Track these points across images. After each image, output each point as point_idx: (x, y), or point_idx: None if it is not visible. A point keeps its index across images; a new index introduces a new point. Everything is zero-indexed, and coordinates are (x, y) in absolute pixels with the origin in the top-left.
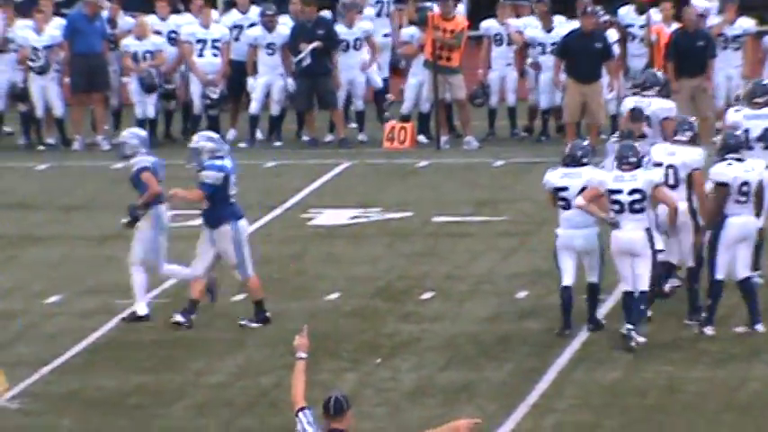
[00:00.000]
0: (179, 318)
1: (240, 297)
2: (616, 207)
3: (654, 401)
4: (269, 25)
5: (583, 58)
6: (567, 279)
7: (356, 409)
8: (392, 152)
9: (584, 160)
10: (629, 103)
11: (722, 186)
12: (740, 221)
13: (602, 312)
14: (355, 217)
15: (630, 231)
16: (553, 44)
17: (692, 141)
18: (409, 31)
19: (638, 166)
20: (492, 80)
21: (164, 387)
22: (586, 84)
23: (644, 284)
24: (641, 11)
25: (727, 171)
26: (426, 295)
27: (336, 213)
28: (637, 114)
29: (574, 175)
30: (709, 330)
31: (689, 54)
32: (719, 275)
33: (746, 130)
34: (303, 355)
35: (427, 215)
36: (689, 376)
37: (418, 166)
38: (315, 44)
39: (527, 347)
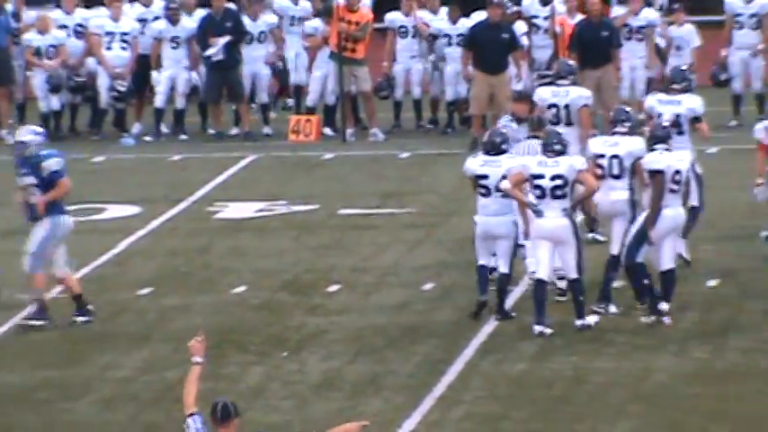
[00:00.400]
0: (80, 318)
1: (145, 291)
2: (538, 192)
3: (560, 392)
4: (173, 18)
5: (490, 49)
6: (484, 259)
7: (263, 402)
8: (297, 145)
9: (504, 147)
10: (545, 92)
11: (658, 174)
12: (672, 213)
13: (509, 303)
14: (261, 210)
15: (554, 219)
16: (459, 36)
17: (632, 131)
18: (313, 24)
19: (561, 153)
20: (397, 72)
21: (70, 382)
22: (494, 75)
23: (573, 272)
24: (545, 2)
25: (660, 159)
26: (333, 288)
27: (242, 206)
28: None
29: (494, 163)
30: (667, 319)
31: (593, 45)
32: (640, 259)
33: (659, 115)
34: (199, 359)
35: (333, 208)
36: (594, 367)
37: (324, 159)
38: (226, 38)
39: (434, 339)
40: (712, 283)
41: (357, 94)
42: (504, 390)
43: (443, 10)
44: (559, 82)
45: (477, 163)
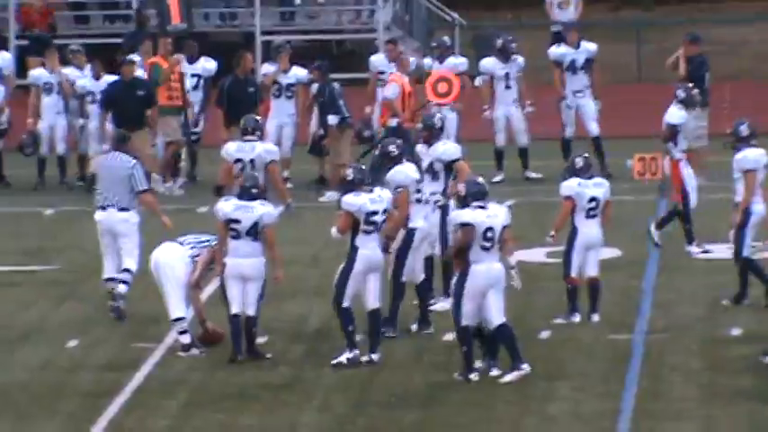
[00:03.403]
0: None
1: None
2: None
3: None
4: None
5: (126, 105)
6: (235, 307)
7: None
8: None
9: (255, 192)
10: (231, 147)
11: (467, 227)
12: (485, 268)
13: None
14: None
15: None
16: (102, 92)
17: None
18: None
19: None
20: (42, 129)
21: None
22: (130, 130)
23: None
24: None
25: (473, 215)
26: None
27: None
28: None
29: (247, 209)
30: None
31: (241, 101)
32: (465, 322)
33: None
34: None
35: None
36: (240, 423)
37: None
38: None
39: (78, 397)
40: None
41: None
42: None
43: (89, 66)
44: (246, 138)
45: (229, 207)
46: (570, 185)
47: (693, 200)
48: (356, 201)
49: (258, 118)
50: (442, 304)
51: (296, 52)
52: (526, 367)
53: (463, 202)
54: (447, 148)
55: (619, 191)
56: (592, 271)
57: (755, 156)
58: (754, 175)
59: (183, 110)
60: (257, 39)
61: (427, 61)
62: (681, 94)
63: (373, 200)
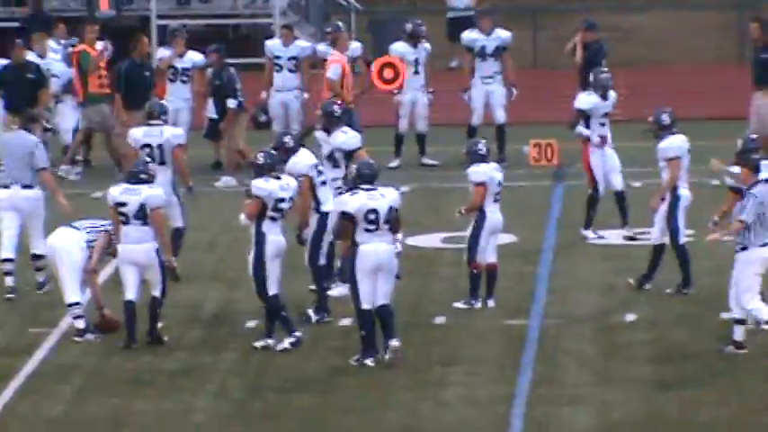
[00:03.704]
0: None
1: None
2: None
3: None
4: None
5: (16, 89)
6: (131, 293)
7: None
8: None
9: (143, 177)
10: (138, 133)
11: (344, 215)
12: (372, 249)
13: None
14: None
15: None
16: None
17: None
18: None
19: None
20: None
21: None
22: (21, 113)
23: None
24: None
25: (353, 200)
26: None
27: None
28: None
29: (133, 192)
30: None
31: (137, 85)
32: (365, 306)
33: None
34: None
35: None
36: (133, 409)
37: None
38: None
39: None
40: (252, 324)
41: None
42: None
43: None
44: (152, 122)
45: (117, 191)
46: (482, 171)
47: (601, 189)
48: (266, 186)
49: (163, 102)
50: (339, 289)
51: (192, 37)
52: (395, 342)
53: (353, 184)
54: (347, 138)
55: (515, 177)
56: (491, 257)
57: (678, 143)
58: (678, 162)
59: (112, 97)
60: (153, 23)
61: (321, 48)
62: (590, 78)
63: (282, 186)
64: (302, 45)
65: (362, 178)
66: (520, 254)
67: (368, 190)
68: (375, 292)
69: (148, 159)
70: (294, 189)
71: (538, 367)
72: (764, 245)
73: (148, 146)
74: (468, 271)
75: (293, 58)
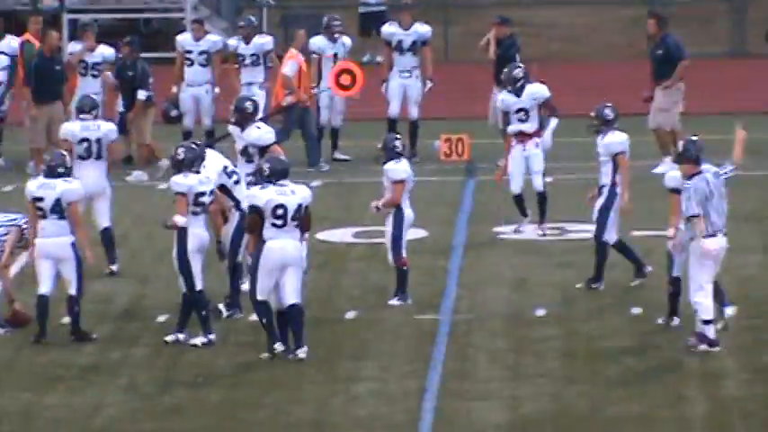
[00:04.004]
0: None
1: None
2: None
3: (9, 429)
4: None
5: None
6: (45, 287)
7: None
8: None
9: (60, 171)
10: (75, 127)
11: (252, 209)
12: (278, 245)
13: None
14: None
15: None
16: None
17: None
18: None
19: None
20: None
21: None
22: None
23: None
24: None
25: (261, 194)
26: None
27: None
28: None
29: (49, 186)
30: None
31: (47, 79)
32: (261, 297)
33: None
34: None
35: None
36: (44, 403)
37: None
38: None
39: None
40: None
41: None
42: None
43: None
44: (83, 116)
45: (34, 185)
46: (402, 168)
47: (514, 186)
48: (185, 182)
49: (94, 96)
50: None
51: (103, 31)
52: (302, 353)
53: (265, 180)
54: (262, 133)
55: (425, 172)
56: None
57: (621, 138)
58: (624, 156)
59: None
60: (63, 17)
61: (233, 42)
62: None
63: (201, 180)
64: (213, 39)
65: (273, 174)
66: (431, 249)
67: (278, 185)
68: (282, 289)
69: (85, 154)
70: (215, 183)
71: (448, 362)
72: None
73: (86, 140)
74: (396, 269)
75: (204, 52)
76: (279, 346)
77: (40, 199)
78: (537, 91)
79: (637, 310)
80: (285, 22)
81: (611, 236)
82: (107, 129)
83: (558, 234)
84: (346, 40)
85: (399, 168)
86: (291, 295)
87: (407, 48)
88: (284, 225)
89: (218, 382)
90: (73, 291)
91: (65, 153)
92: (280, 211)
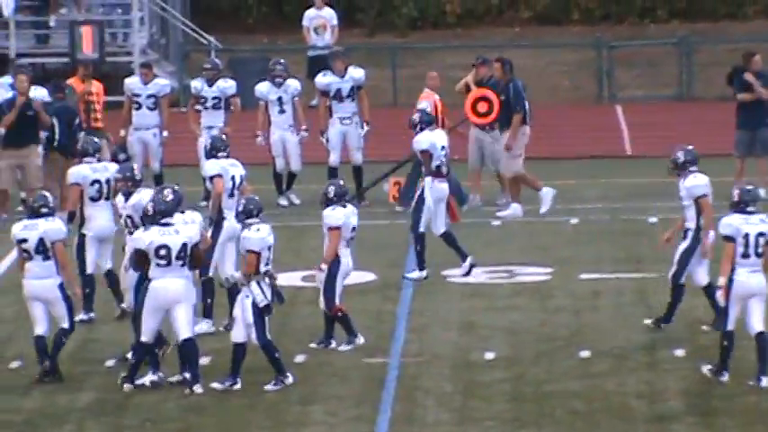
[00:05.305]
0: None
1: None
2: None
3: None
4: None
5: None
6: (40, 329)
7: None
8: None
9: (44, 211)
10: (86, 170)
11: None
12: (161, 285)
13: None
14: None
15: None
16: None
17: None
18: None
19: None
20: None
21: None
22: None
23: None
24: None
25: (144, 236)
26: None
27: None
28: None
29: (32, 227)
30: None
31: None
32: (144, 338)
33: None
34: None
35: None
36: None
37: None
38: None
39: None
40: None
41: None
42: None
43: None
44: (88, 159)
45: (18, 228)
46: (337, 215)
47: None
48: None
49: (96, 140)
50: (201, 326)
51: (54, 74)
52: (198, 389)
53: (149, 221)
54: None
55: (374, 215)
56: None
57: (703, 181)
58: (707, 199)
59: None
60: (12, 61)
61: (196, 84)
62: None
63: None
64: (162, 83)
65: (158, 214)
66: (379, 292)
67: (163, 225)
68: (174, 324)
69: (96, 195)
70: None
71: (397, 406)
72: None
73: (98, 182)
74: (332, 316)
75: (152, 95)
76: (148, 380)
77: (24, 240)
78: None
79: (585, 353)
80: (232, 66)
81: (702, 279)
82: (114, 169)
83: (506, 277)
84: (293, 83)
85: (334, 215)
86: (184, 330)
87: (347, 95)
88: (168, 264)
89: (166, 426)
90: (65, 324)
91: (46, 194)
92: (163, 252)
